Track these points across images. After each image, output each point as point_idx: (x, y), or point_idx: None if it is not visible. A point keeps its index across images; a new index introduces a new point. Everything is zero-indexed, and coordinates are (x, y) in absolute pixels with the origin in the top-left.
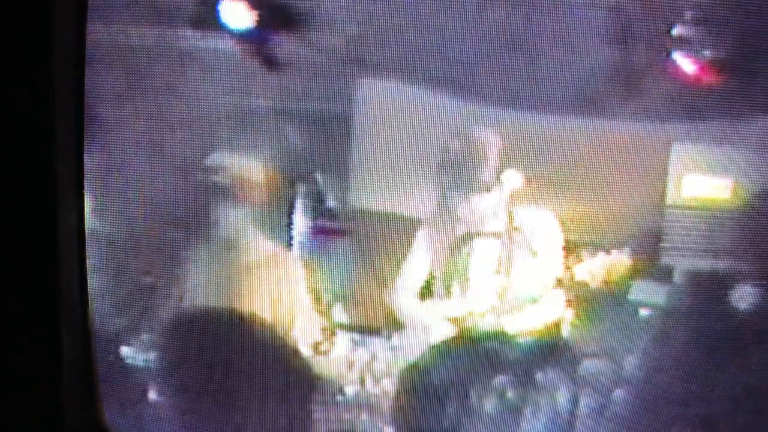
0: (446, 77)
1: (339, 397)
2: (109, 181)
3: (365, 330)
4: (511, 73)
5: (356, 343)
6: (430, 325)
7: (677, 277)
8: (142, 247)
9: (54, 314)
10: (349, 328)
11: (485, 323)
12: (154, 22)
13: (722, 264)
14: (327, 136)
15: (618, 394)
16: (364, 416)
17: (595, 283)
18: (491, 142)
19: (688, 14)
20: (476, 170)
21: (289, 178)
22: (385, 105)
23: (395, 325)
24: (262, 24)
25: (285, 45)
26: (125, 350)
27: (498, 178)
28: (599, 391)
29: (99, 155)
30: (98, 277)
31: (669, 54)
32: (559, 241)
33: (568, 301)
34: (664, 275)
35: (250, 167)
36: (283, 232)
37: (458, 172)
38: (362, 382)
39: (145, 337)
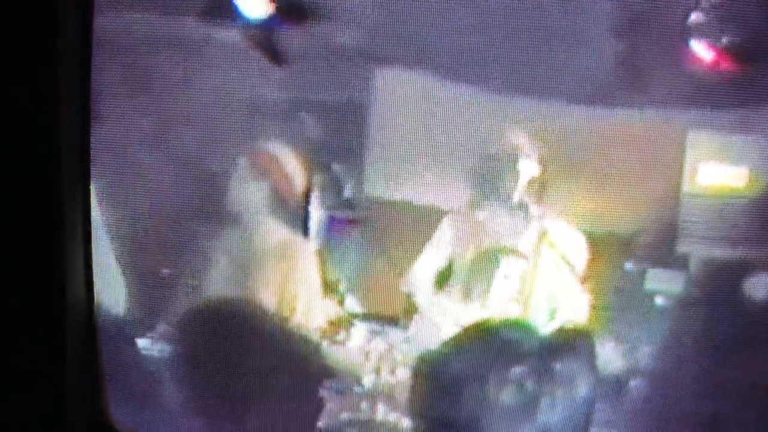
0: (462, 67)
1: (356, 388)
2: (119, 172)
3: (382, 320)
4: (527, 63)
5: (373, 333)
6: (442, 324)
7: (693, 266)
8: (152, 241)
9: (58, 308)
10: (365, 317)
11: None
12: (167, 12)
13: (739, 252)
14: (344, 127)
15: (633, 383)
16: (380, 406)
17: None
18: (527, 152)
19: (705, 1)
20: (511, 187)
21: (306, 168)
22: (401, 95)
23: (412, 315)
24: (279, 13)
25: (301, 35)
26: (132, 344)
27: (529, 193)
28: (616, 381)
29: (107, 141)
30: (104, 271)
31: (686, 41)
32: (588, 254)
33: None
34: (680, 263)
35: (267, 158)
36: (299, 222)
37: (493, 187)
38: (378, 372)
39: (154, 330)
